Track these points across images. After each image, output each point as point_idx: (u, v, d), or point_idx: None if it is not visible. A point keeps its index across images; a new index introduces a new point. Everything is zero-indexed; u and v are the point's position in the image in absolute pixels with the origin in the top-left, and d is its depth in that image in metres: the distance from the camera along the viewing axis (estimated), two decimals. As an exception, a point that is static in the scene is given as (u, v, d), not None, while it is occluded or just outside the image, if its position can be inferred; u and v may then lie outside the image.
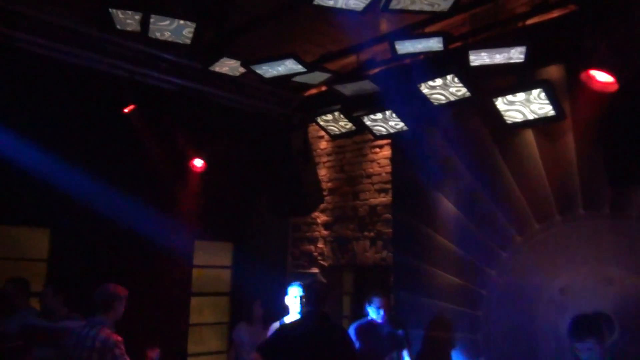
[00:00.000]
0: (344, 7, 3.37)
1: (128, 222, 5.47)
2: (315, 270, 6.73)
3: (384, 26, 4.69)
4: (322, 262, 6.71)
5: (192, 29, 3.83)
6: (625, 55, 3.10)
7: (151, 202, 5.66)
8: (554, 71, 4.34)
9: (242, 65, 4.38)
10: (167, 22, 3.75)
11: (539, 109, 3.91)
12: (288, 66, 4.26)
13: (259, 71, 4.39)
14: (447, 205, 5.24)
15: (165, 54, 5.15)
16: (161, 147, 5.61)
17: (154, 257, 5.68)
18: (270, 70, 4.34)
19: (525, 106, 3.93)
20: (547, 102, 3.81)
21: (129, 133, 5.24)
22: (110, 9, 3.67)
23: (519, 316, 4.61)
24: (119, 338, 3.61)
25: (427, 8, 3.38)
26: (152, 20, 3.70)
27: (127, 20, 3.78)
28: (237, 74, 4.65)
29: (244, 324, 5.39)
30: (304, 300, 4.03)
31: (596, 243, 4.21)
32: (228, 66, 4.50)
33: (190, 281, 6.11)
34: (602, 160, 3.42)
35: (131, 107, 5.15)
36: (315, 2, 3.33)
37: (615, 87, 3.19)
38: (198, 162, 5.89)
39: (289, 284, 6.89)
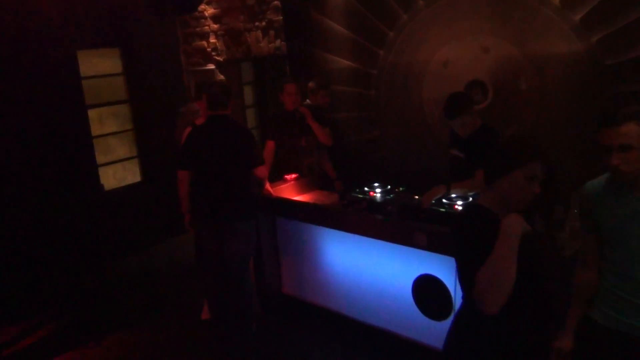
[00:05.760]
0: None
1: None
2: (212, 66, 6.64)
3: None
4: (217, 58, 6.59)
5: None
6: None
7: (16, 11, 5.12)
8: None
9: None
10: None
11: None
12: None
13: None
14: (335, -13, 5.13)
15: None
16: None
17: (34, 73, 5.34)
18: None
19: None
20: None
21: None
22: None
23: (407, 91, 4.94)
24: None
25: None
26: None
27: None
28: None
29: None
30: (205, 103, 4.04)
31: (474, 15, 4.39)
32: None
33: (82, 93, 5.88)
34: None
35: None
36: None
37: None
38: None
39: (188, 83, 6.86)
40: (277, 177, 4.70)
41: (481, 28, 4.38)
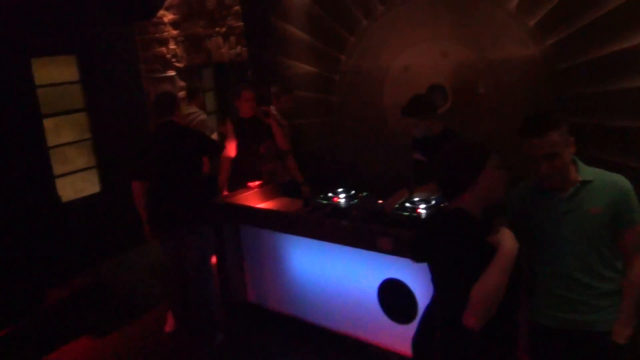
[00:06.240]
0: None
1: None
2: (172, 72, 6.54)
3: None
4: (177, 64, 6.50)
5: None
6: None
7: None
8: None
9: None
10: None
11: None
12: None
13: None
14: (295, -7, 5.12)
15: None
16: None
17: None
18: None
19: None
20: None
21: None
22: None
23: (369, 95, 4.96)
24: None
25: None
26: None
27: None
28: None
29: None
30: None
31: (433, 21, 4.44)
32: None
33: (37, 102, 5.71)
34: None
35: None
36: None
37: None
38: None
39: (148, 90, 6.75)
40: (238, 185, 4.62)
41: (440, 33, 4.44)
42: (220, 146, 4.24)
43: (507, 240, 1.90)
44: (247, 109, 4.60)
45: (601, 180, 2.12)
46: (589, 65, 3.80)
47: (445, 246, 1.96)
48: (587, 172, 2.14)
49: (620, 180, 2.12)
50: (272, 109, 4.83)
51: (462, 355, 1.98)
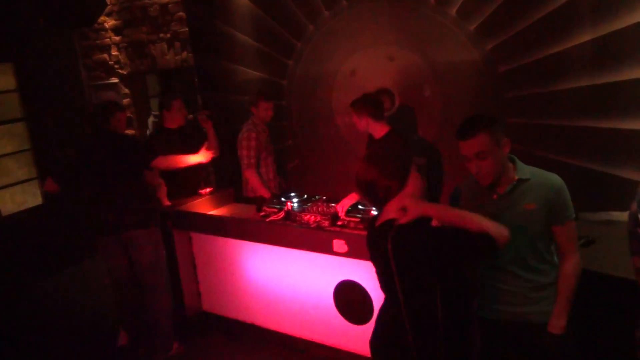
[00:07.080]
0: None
1: None
2: (115, 79, 6.39)
3: None
4: (120, 71, 6.35)
5: None
6: None
7: None
8: None
9: None
10: None
11: None
12: None
13: None
14: (241, -1, 5.12)
15: None
16: None
17: None
18: None
19: None
20: None
21: None
22: None
23: (317, 99, 5.02)
24: None
25: None
26: None
27: None
28: None
29: None
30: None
31: (378, 26, 4.54)
32: None
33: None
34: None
35: None
36: None
37: None
38: None
39: (89, 99, 6.57)
40: (178, 196, 4.44)
41: (385, 38, 4.54)
42: (150, 157, 4.03)
43: (417, 205, 1.98)
44: (180, 118, 4.48)
45: (537, 178, 2.23)
46: (526, 68, 3.98)
47: (427, 257, 1.96)
48: (524, 170, 2.25)
49: (555, 179, 2.23)
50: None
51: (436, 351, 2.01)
